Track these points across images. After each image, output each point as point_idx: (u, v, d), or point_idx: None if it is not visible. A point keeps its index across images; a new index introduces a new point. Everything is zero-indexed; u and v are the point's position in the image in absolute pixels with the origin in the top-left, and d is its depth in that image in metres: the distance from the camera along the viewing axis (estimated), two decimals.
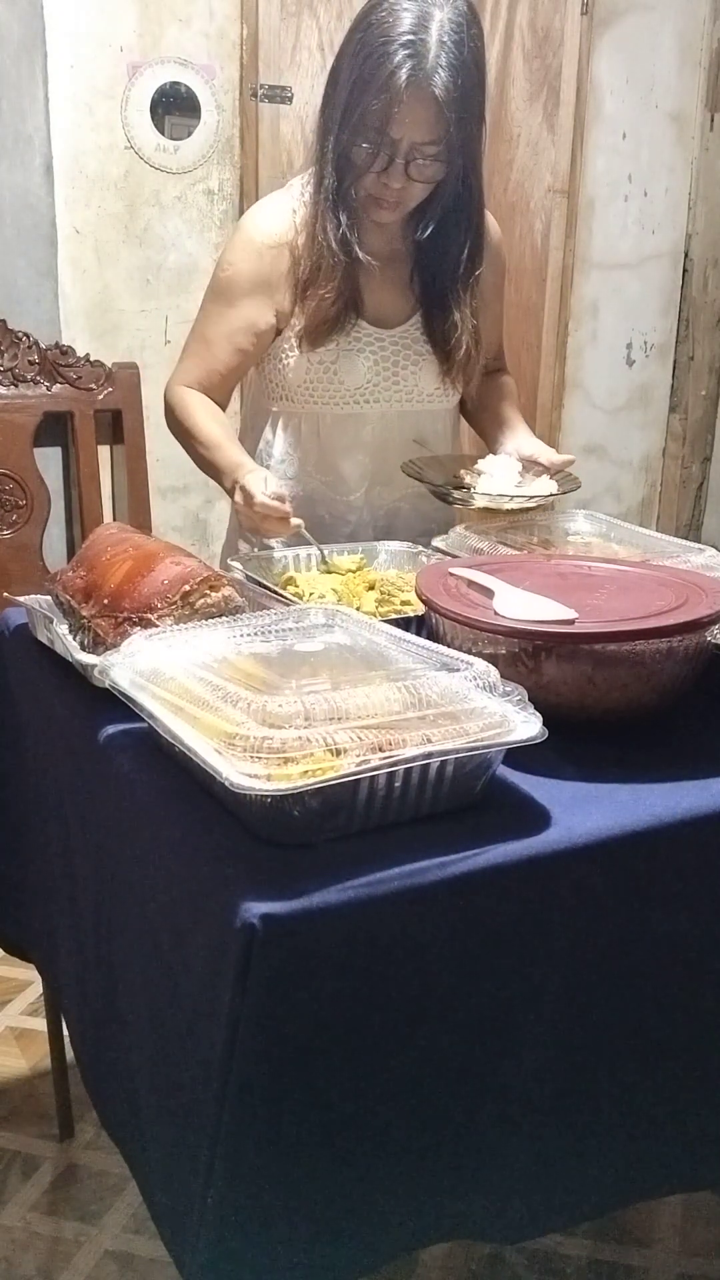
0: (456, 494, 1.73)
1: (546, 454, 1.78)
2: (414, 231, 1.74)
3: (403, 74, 1.53)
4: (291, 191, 1.75)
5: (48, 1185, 1.72)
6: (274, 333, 1.76)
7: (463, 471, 1.77)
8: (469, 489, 1.74)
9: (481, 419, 1.95)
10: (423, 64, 1.53)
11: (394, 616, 1.36)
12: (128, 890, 1.14)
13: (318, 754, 0.95)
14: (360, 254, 1.69)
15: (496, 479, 1.74)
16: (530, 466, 1.77)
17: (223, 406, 1.80)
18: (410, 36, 1.53)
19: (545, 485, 1.75)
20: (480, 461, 1.78)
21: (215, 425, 1.74)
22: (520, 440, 1.84)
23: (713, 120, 3.35)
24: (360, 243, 1.70)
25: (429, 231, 1.72)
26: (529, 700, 1.06)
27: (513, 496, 1.72)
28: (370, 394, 1.79)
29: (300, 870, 0.94)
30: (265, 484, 1.57)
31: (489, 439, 1.91)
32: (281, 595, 1.43)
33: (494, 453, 1.84)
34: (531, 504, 1.73)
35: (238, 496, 1.60)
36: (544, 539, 1.68)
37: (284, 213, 1.73)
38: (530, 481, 1.76)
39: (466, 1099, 1.05)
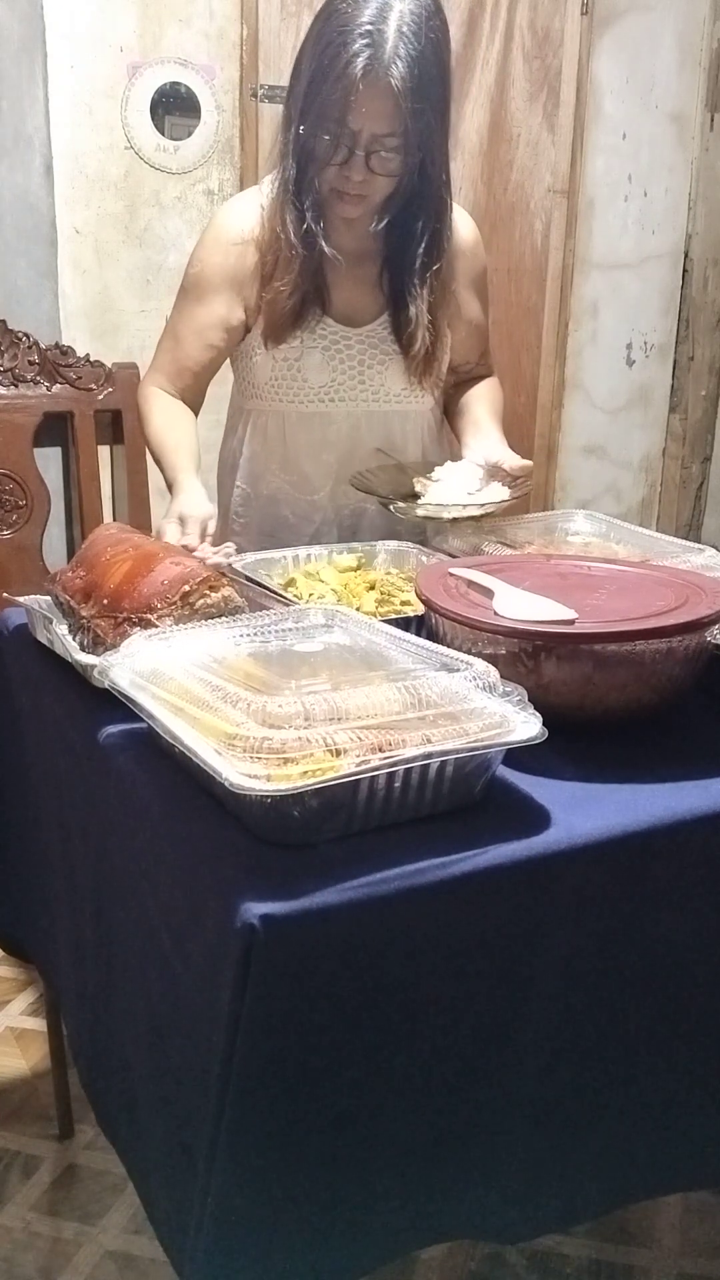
0: (399, 505, 1.68)
1: (510, 459, 1.74)
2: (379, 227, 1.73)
3: (359, 64, 1.52)
4: (261, 188, 1.75)
5: (48, 1185, 1.72)
6: (245, 329, 1.76)
7: (416, 480, 1.72)
8: (411, 500, 1.68)
9: (457, 424, 1.91)
10: (380, 55, 1.52)
11: (394, 617, 1.36)
12: (128, 890, 1.14)
13: (318, 754, 0.95)
14: (326, 247, 1.68)
15: (447, 487, 1.69)
16: (494, 472, 1.72)
17: (197, 403, 1.80)
18: (369, 27, 1.52)
19: (496, 492, 1.70)
20: (438, 469, 1.73)
21: (167, 431, 1.73)
22: (486, 445, 1.79)
23: (713, 120, 3.35)
24: (326, 238, 1.69)
25: (384, 223, 1.71)
26: (529, 700, 1.06)
27: (451, 505, 1.66)
28: (335, 393, 1.78)
29: (300, 870, 0.94)
30: (181, 527, 1.54)
31: (462, 445, 1.86)
32: (281, 595, 1.43)
33: (463, 458, 1.78)
34: (467, 514, 1.66)
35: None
36: (544, 539, 1.68)
37: (252, 209, 1.73)
38: (485, 488, 1.70)
39: (466, 1099, 1.05)
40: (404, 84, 1.53)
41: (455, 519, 1.68)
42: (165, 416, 1.75)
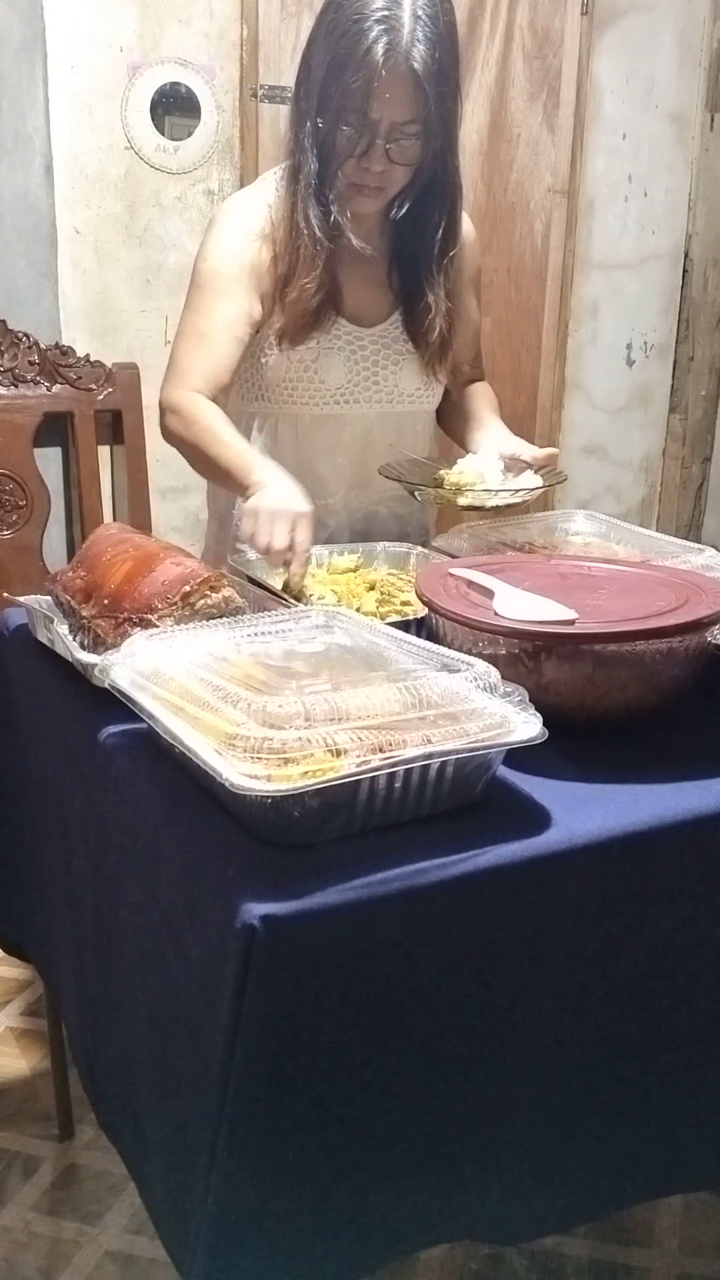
0: (439, 492, 1.67)
1: (528, 450, 1.73)
2: (391, 222, 1.72)
3: (379, 50, 1.50)
4: (265, 186, 1.72)
5: (48, 1185, 1.72)
6: (259, 326, 1.72)
7: (443, 471, 1.71)
8: (453, 487, 1.68)
9: (455, 423, 1.89)
10: (399, 39, 1.50)
11: (394, 618, 1.36)
12: (127, 891, 1.14)
13: (318, 754, 0.95)
14: (354, 239, 1.65)
15: (479, 477, 1.68)
16: (513, 464, 1.71)
17: (224, 409, 1.73)
18: (384, 12, 1.50)
19: (530, 480, 1.70)
20: (460, 461, 1.72)
21: (226, 426, 1.65)
22: (499, 438, 1.78)
23: (713, 120, 3.35)
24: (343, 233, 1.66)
25: (405, 210, 1.69)
26: (529, 701, 1.06)
27: (496, 492, 1.66)
28: (350, 394, 1.76)
29: (300, 870, 0.94)
30: (273, 522, 1.49)
31: (465, 441, 1.85)
32: (282, 596, 1.43)
33: (472, 453, 1.77)
34: (517, 499, 1.67)
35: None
36: (544, 539, 1.68)
37: (259, 206, 1.70)
38: (513, 479, 1.70)
39: (466, 1099, 1.05)
40: (426, 68, 1.52)
41: (495, 506, 1.67)
42: (218, 415, 1.65)
